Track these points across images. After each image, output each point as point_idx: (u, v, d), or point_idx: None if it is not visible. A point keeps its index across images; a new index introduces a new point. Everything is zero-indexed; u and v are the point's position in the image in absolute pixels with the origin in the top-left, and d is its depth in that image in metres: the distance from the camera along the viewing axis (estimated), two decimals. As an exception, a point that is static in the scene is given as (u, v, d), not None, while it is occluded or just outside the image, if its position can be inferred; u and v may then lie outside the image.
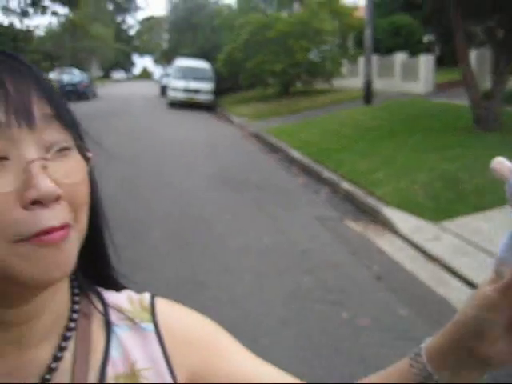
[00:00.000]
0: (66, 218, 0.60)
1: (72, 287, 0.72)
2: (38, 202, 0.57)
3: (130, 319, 0.72)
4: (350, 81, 22.00)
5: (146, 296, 0.76)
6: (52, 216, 0.58)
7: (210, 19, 30.34)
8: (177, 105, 24.28)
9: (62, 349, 0.66)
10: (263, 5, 24.60)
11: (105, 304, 0.73)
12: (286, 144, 12.13)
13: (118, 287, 0.78)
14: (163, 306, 0.75)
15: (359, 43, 20.46)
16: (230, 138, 15.04)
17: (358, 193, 7.67)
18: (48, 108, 0.62)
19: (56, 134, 0.62)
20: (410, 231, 6.05)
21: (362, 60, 19.15)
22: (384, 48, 20.31)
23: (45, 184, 0.57)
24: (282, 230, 6.34)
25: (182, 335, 0.73)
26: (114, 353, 0.69)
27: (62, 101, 0.66)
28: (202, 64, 26.86)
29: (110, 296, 0.75)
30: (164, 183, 8.73)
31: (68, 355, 0.66)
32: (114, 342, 0.70)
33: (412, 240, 5.83)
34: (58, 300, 0.68)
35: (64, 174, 0.60)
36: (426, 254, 5.48)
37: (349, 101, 17.80)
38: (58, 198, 0.59)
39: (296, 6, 23.22)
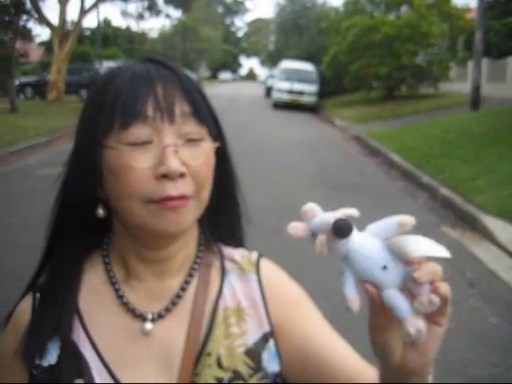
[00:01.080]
0: (186, 191, 0.82)
1: (199, 239, 0.96)
2: (166, 176, 0.80)
3: (240, 269, 0.95)
4: (458, 85, 21.30)
5: (254, 254, 0.99)
6: (174, 188, 0.80)
7: (317, 22, 30.46)
8: (281, 106, 24.61)
9: (187, 282, 0.91)
10: (370, 7, 24.36)
11: (222, 255, 0.97)
12: (387, 148, 12.04)
13: (236, 245, 1.01)
14: (266, 264, 0.97)
15: (469, 46, 19.76)
16: (332, 139, 15.12)
17: (457, 199, 7.55)
18: (187, 107, 0.84)
19: (191, 128, 0.84)
20: (509, 240, 5.91)
21: (471, 64, 18.51)
22: (496, 51, 19.47)
23: (173, 163, 0.79)
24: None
25: (276, 290, 0.93)
26: (226, 290, 0.93)
27: (201, 99, 0.87)
28: (306, 66, 27.02)
29: (228, 250, 0.99)
30: (264, 180, 8.97)
31: (191, 288, 0.91)
32: (226, 283, 0.93)
33: (510, 249, 5.70)
34: (188, 248, 0.93)
35: (191, 158, 0.82)
36: (524, 264, 5.35)
37: (455, 106, 17.28)
38: (182, 175, 0.81)
39: (404, 9, 22.78)
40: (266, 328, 0.90)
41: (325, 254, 0.69)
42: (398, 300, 0.65)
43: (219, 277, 0.94)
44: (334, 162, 11.39)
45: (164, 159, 0.80)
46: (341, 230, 0.67)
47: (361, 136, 14.56)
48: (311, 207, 0.70)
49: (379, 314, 0.68)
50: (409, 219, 0.67)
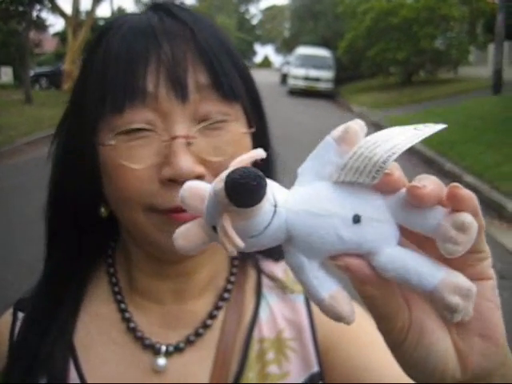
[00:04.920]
0: None
1: None
2: (175, 180, 0.57)
3: (282, 288, 0.72)
4: (478, 69, 20.87)
5: None
6: None
7: (332, 6, 30.04)
8: (296, 93, 24.33)
9: (218, 308, 0.68)
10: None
11: (260, 271, 0.74)
12: (407, 134, 11.80)
13: (278, 258, 0.77)
14: None
15: (490, 29, 19.33)
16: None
17: (482, 187, 7.31)
18: (205, 77, 0.59)
19: (212, 107, 0.59)
20: (539, 229, 5.69)
21: (491, 47, 18.09)
22: (517, 34, 19.04)
23: (183, 164, 0.56)
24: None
25: None
26: (262, 315, 0.69)
27: (228, 63, 0.60)
28: (322, 52, 26.72)
29: (268, 265, 0.75)
30: (280, 172, 8.81)
31: (221, 314, 0.68)
32: (263, 306, 0.70)
33: (541, 238, 5.49)
34: (216, 260, 0.69)
35: (212, 151, 0.59)
36: (557, 254, 5.13)
37: (475, 90, 16.91)
38: (198, 177, 0.57)
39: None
40: (315, 368, 0.67)
41: (242, 248, 0.39)
42: (407, 260, 0.37)
43: (254, 297, 0.70)
44: (353, 150, 11.18)
45: (171, 157, 0.57)
46: (242, 192, 0.37)
47: (379, 122, 14.30)
48: (190, 187, 0.42)
49: (386, 299, 0.38)
50: (351, 123, 0.42)
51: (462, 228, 0.36)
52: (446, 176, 8.49)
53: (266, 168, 0.70)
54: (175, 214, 0.58)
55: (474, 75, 20.41)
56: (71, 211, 0.69)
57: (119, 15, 0.66)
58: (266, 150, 0.71)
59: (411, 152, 10.58)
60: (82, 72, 0.64)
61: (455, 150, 9.46)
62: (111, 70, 0.58)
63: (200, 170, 0.58)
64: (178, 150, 0.56)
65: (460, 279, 0.38)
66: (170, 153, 0.57)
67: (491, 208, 6.69)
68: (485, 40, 20.59)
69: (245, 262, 0.74)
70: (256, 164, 0.64)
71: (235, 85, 0.61)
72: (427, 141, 10.62)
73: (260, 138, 0.68)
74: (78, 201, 0.68)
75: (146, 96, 0.57)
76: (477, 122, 11.50)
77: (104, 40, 0.61)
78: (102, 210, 0.68)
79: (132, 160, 0.58)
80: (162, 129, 0.58)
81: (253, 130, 0.64)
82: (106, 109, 0.58)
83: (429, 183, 0.37)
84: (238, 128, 0.62)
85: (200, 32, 0.60)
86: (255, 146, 0.65)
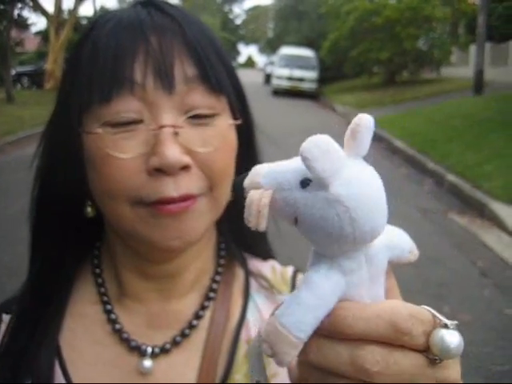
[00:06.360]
0: (191, 190, 0.58)
1: (219, 249, 0.72)
2: (162, 170, 0.57)
3: (269, 288, 0.71)
4: (459, 70, 21.06)
5: (289, 269, 0.73)
6: (173, 186, 0.57)
7: (316, 7, 30.13)
8: (280, 93, 24.34)
9: (204, 307, 0.67)
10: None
11: (247, 271, 0.72)
12: (390, 134, 11.85)
13: (266, 256, 0.76)
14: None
15: (471, 30, 19.51)
16: (333, 126, 14.91)
17: (464, 186, 7.37)
18: (193, 69, 0.59)
19: (199, 99, 0.59)
20: (520, 228, 5.75)
21: (473, 48, 18.25)
22: (499, 35, 19.21)
23: (170, 153, 0.56)
24: (383, 221, 6.23)
25: None
26: (250, 316, 0.68)
27: (215, 56, 0.61)
28: (306, 52, 26.77)
29: (255, 263, 0.74)
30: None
31: (207, 314, 0.67)
32: (250, 307, 0.69)
33: (522, 237, 5.55)
34: (202, 259, 0.69)
35: (200, 142, 0.59)
36: (537, 252, 5.19)
37: (457, 91, 17.06)
38: (185, 168, 0.57)
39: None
40: None
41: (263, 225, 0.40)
42: None
43: (242, 298, 0.69)
44: (337, 149, 11.21)
45: (158, 146, 0.56)
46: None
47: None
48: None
49: None
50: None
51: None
52: (429, 175, 8.56)
53: (251, 166, 0.69)
54: (161, 206, 0.58)
55: (456, 75, 20.59)
56: (56, 211, 0.68)
57: (108, 11, 0.65)
58: (251, 145, 0.71)
59: (394, 152, 10.65)
60: (70, 65, 0.63)
61: (438, 150, 9.53)
62: (99, 61, 0.58)
63: (186, 160, 0.57)
64: (165, 140, 0.56)
65: None
66: (157, 142, 0.57)
67: (473, 207, 6.75)
68: (466, 41, 20.76)
69: (232, 261, 0.73)
70: (240, 162, 0.65)
71: (221, 78, 0.61)
72: (410, 140, 10.70)
73: (245, 132, 0.68)
74: (63, 200, 0.67)
75: (133, 86, 0.57)
76: (459, 121, 11.60)
77: (92, 33, 0.61)
78: (89, 209, 0.67)
79: (119, 150, 0.57)
80: (150, 119, 0.58)
81: (239, 121, 0.64)
82: (93, 98, 0.58)
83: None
84: (224, 121, 0.62)
85: (188, 26, 0.61)
86: (241, 140, 0.66)
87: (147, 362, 0.65)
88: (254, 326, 0.68)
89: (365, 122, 0.41)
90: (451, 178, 7.85)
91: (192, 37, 0.60)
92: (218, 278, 0.70)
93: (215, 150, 0.59)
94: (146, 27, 0.59)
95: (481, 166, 8.05)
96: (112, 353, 0.67)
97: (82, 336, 0.68)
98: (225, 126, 0.62)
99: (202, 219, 0.61)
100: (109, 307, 0.69)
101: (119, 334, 0.67)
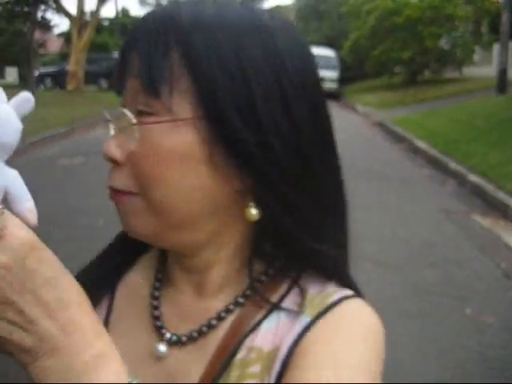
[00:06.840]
0: (117, 184, 0.60)
1: (249, 262, 0.66)
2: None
3: (302, 306, 0.63)
4: (482, 69, 20.80)
5: (338, 294, 0.63)
6: (113, 178, 0.61)
7: (337, 6, 30.00)
8: (300, 93, 24.27)
9: (227, 311, 0.65)
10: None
11: (290, 287, 0.64)
12: (412, 134, 11.75)
13: (344, 283, 0.67)
14: (348, 309, 0.62)
15: (494, 29, 19.26)
16: (354, 126, 14.82)
17: (488, 186, 7.28)
18: (138, 64, 0.60)
19: (141, 95, 0.59)
20: (545, 229, 5.67)
21: (496, 47, 18.01)
22: (523, 34, 18.96)
23: (105, 145, 0.61)
24: (405, 221, 6.19)
25: (306, 348, 0.59)
26: (265, 326, 0.63)
27: (160, 51, 0.59)
28: (327, 52, 26.63)
29: (313, 283, 0.65)
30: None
31: (230, 318, 0.64)
32: (272, 318, 0.63)
33: (546, 238, 5.47)
34: (227, 265, 0.66)
35: (134, 141, 0.58)
36: (562, 254, 5.11)
37: (480, 90, 16.85)
38: (117, 163, 0.60)
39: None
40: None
41: None
42: None
43: (267, 309, 0.64)
44: (357, 150, 11.12)
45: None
46: None
47: (384, 122, 14.27)
48: None
49: None
50: None
51: None
52: (451, 175, 8.47)
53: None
54: (111, 192, 0.62)
55: (479, 75, 20.34)
56: None
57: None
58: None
59: (416, 152, 10.56)
60: None
61: (460, 150, 9.43)
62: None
63: (114, 154, 0.60)
64: (112, 133, 0.62)
65: None
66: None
67: (496, 208, 6.67)
68: (489, 40, 20.52)
69: (284, 275, 0.66)
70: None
71: (160, 78, 0.59)
72: (432, 140, 10.60)
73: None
74: None
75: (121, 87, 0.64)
76: (481, 121, 11.47)
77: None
78: None
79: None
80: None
81: (189, 119, 0.58)
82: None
83: None
84: (164, 126, 0.59)
85: (153, 46, 0.62)
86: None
87: (162, 347, 0.65)
88: (264, 335, 0.62)
89: None
90: (474, 178, 7.76)
91: (151, 55, 0.59)
92: (248, 292, 0.65)
93: (140, 152, 0.58)
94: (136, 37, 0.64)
95: (504, 166, 7.94)
96: (142, 327, 0.69)
97: (128, 298, 0.72)
98: (160, 129, 0.58)
99: (141, 219, 0.60)
100: (156, 293, 0.70)
101: (152, 310, 0.69)
